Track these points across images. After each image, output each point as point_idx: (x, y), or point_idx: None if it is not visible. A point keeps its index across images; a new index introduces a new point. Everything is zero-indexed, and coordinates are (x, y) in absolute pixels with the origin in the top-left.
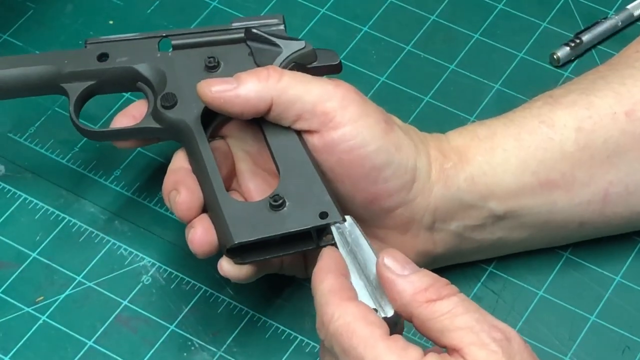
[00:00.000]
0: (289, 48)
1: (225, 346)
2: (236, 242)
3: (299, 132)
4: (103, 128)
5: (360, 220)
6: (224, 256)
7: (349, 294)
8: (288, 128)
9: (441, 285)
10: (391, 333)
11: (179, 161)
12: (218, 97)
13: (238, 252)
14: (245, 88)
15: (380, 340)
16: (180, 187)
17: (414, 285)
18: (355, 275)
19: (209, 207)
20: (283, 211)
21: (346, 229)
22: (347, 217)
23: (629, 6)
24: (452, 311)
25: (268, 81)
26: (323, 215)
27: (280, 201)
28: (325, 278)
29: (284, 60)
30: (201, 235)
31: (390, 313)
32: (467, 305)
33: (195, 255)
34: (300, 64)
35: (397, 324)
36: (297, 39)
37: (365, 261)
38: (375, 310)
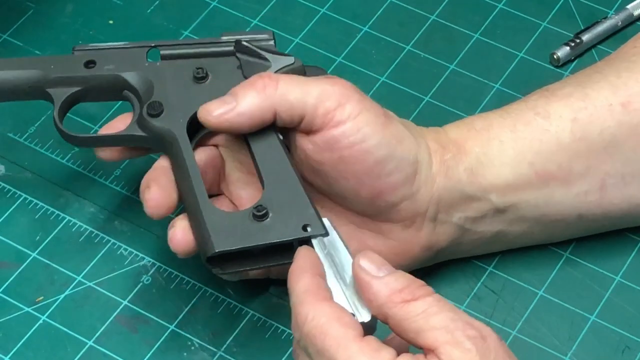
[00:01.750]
0: (278, 63)
1: (225, 346)
2: (217, 251)
3: (283, 143)
4: (87, 134)
5: (365, 217)
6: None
7: (324, 294)
8: (272, 138)
9: (416, 286)
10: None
11: (160, 161)
12: (223, 120)
13: (218, 262)
14: (245, 103)
15: (353, 341)
16: (152, 183)
17: (389, 286)
18: (333, 280)
19: (190, 215)
20: (266, 222)
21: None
22: (325, 220)
23: (628, 6)
24: (427, 311)
25: (266, 91)
26: (306, 227)
27: (264, 211)
28: (301, 278)
29: None
30: (180, 235)
31: (367, 318)
32: (442, 305)
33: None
34: None
35: (373, 328)
36: (286, 55)
37: (342, 264)
38: (353, 314)
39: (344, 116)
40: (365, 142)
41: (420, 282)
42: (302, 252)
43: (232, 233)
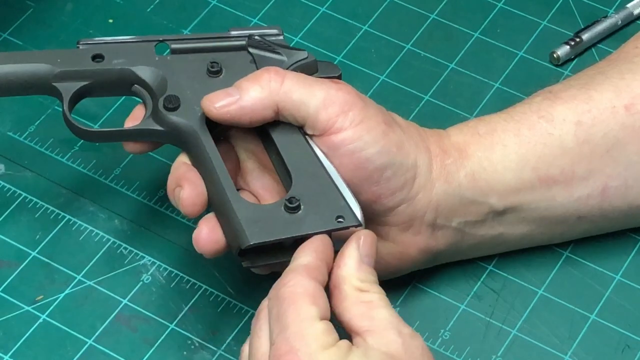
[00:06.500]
0: (292, 58)
1: (225, 345)
2: (252, 243)
3: (305, 136)
4: (101, 128)
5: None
6: None
7: (317, 276)
8: (295, 131)
9: (377, 290)
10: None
11: (181, 158)
12: (224, 112)
13: (249, 255)
14: (249, 97)
15: (311, 320)
16: (183, 182)
17: (361, 271)
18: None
19: (218, 209)
20: (299, 214)
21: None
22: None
23: (628, 5)
24: (372, 302)
25: (271, 86)
26: (340, 218)
27: (297, 203)
28: (308, 254)
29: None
30: (207, 234)
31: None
32: (388, 305)
33: (203, 256)
34: None
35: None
36: (299, 49)
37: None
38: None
39: (346, 123)
40: (365, 150)
41: (382, 292)
42: (322, 237)
43: (266, 225)
